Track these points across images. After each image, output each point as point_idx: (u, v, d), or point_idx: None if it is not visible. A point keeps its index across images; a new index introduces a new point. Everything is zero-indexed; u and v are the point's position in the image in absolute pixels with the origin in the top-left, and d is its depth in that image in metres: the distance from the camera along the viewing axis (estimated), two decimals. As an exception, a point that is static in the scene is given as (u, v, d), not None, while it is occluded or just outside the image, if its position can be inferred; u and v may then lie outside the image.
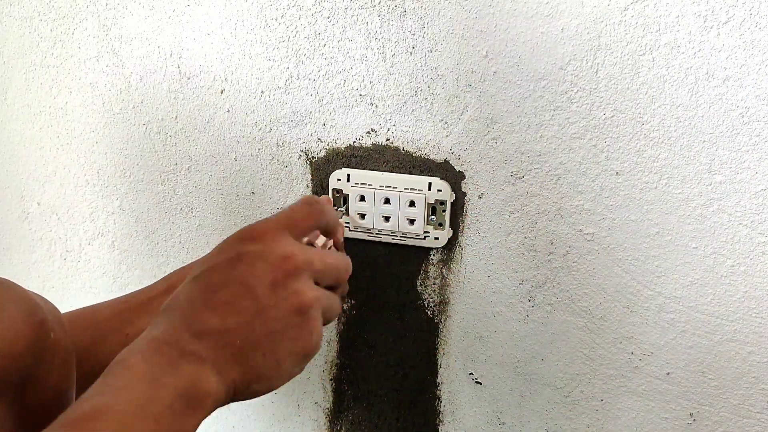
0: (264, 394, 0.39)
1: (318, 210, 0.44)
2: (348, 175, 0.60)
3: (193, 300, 0.38)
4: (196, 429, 0.35)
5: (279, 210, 0.63)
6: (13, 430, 0.37)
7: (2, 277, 0.41)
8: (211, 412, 0.36)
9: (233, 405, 0.80)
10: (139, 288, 0.56)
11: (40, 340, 0.39)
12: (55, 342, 0.40)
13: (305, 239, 0.46)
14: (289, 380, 0.40)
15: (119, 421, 0.32)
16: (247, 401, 0.40)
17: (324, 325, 0.43)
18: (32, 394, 0.38)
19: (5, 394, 0.36)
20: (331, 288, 0.44)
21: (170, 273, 0.56)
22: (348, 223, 0.61)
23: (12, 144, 0.74)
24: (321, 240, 0.48)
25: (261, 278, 0.39)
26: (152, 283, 0.56)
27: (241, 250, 0.39)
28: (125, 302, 0.53)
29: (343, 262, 0.45)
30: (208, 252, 0.43)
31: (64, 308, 0.48)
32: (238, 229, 0.42)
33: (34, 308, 0.40)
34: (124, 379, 0.34)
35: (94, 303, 0.54)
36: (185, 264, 0.71)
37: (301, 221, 0.43)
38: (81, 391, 0.37)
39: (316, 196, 0.47)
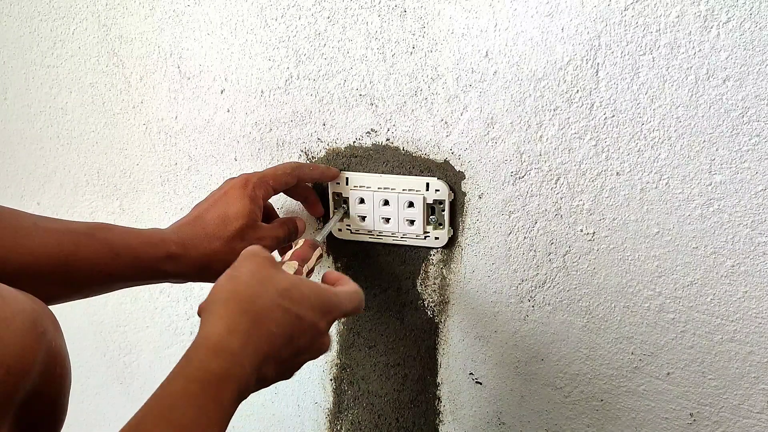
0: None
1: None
2: (347, 178, 0.60)
3: (276, 341, 0.41)
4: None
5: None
6: None
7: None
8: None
9: (233, 405, 0.80)
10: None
11: (44, 352, 0.37)
12: (56, 352, 0.38)
13: (296, 263, 0.50)
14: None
15: None
16: (247, 401, 0.41)
17: None
18: (33, 408, 0.37)
19: (9, 411, 0.35)
20: None
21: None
22: (349, 225, 0.61)
23: (12, 144, 0.74)
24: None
25: (302, 352, 0.44)
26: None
27: (316, 323, 0.44)
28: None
29: (356, 304, 0.50)
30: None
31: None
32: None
33: (36, 318, 0.37)
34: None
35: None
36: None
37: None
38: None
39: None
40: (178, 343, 0.79)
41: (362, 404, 0.68)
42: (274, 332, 0.41)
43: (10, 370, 0.34)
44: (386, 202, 0.59)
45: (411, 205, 0.59)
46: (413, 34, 0.55)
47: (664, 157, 0.51)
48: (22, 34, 0.69)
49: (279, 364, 0.42)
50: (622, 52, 0.49)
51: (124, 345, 0.80)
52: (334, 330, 0.67)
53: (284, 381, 0.45)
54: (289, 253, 0.52)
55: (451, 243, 0.60)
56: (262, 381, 0.42)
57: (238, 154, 0.65)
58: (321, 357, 0.61)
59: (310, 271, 0.52)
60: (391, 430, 0.68)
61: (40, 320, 0.37)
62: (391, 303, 0.64)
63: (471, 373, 0.63)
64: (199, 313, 0.42)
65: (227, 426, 0.38)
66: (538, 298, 0.58)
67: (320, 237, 0.56)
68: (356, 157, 0.60)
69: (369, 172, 0.60)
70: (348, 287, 0.48)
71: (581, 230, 0.55)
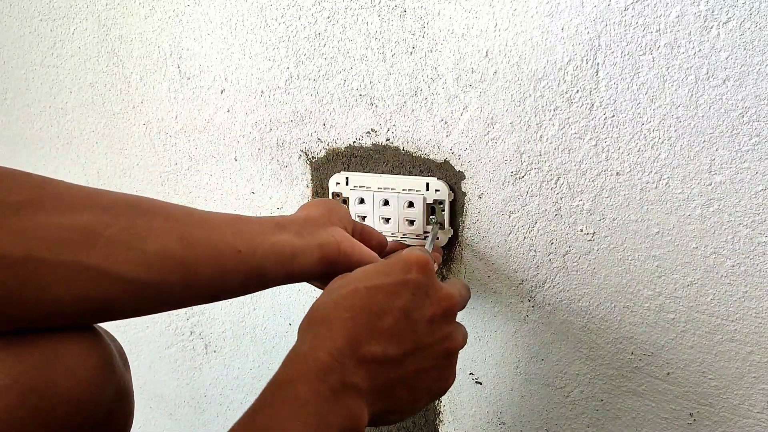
0: (390, 424, 0.40)
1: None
2: (347, 178, 0.60)
3: (357, 319, 0.38)
4: None
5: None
6: None
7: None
8: None
9: (235, 403, 0.80)
10: None
11: (113, 390, 0.36)
12: (124, 390, 0.37)
13: None
14: (414, 414, 0.41)
15: None
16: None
17: None
18: None
19: None
20: None
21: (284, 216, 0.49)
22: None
23: (12, 144, 0.74)
24: None
25: (421, 311, 0.40)
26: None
27: (406, 278, 0.40)
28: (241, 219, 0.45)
29: (468, 294, 0.47)
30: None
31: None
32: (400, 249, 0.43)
33: (110, 354, 0.37)
34: (294, 415, 0.33)
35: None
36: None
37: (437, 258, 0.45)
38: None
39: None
40: (178, 343, 0.79)
41: (362, 404, 0.68)
42: (346, 316, 0.37)
43: (80, 407, 0.33)
44: (386, 202, 0.59)
45: (411, 205, 0.59)
46: (413, 34, 0.55)
47: (664, 157, 0.51)
48: (22, 34, 0.69)
49: (383, 338, 0.38)
50: (622, 52, 0.49)
51: (124, 345, 0.80)
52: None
53: None
54: None
55: (451, 243, 0.60)
56: (372, 362, 0.37)
57: (238, 154, 0.65)
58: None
59: None
60: (391, 430, 0.68)
61: (114, 357, 0.37)
62: (391, 303, 0.64)
63: (471, 373, 0.63)
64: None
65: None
66: (538, 298, 0.58)
67: (428, 247, 0.55)
68: (356, 157, 0.60)
69: (369, 172, 0.60)
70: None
71: (581, 230, 0.55)
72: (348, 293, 0.39)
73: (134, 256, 0.35)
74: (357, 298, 0.38)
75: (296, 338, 0.39)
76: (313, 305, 0.40)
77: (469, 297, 0.48)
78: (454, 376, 0.43)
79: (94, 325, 0.37)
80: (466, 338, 0.45)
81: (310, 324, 0.38)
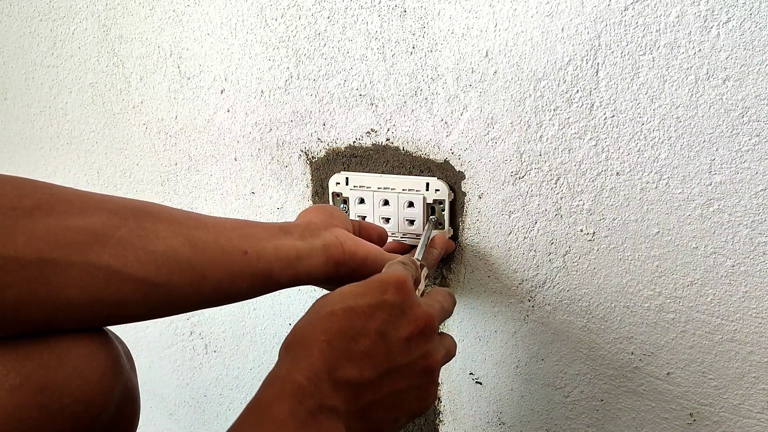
0: None
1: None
2: (347, 178, 0.60)
3: (333, 343, 0.38)
4: None
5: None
6: None
7: None
8: None
9: (235, 402, 0.80)
10: None
11: (120, 391, 0.37)
12: (130, 391, 0.38)
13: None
14: None
15: None
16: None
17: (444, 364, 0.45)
18: None
19: None
20: None
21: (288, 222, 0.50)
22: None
23: (12, 144, 0.74)
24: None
25: (397, 331, 0.40)
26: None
27: (382, 299, 0.40)
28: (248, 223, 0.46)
29: (452, 304, 0.47)
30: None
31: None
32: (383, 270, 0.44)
33: (117, 355, 0.37)
34: None
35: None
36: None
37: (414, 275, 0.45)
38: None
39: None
40: (178, 343, 0.79)
41: (362, 404, 0.68)
42: (323, 339, 0.38)
43: (88, 407, 0.34)
44: (386, 202, 0.59)
45: (411, 205, 0.59)
46: (413, 34, 0.55)
47: (664, 157, 0.51)
48: (22, 34, 0.69)
49: (360, 361, 0.38)
50: (622, 52, 0.49)
51: (124, 345, 0.80)
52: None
53: None
54: None
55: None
56: (349, 386, 0.37)
57: (238, 154, 0.65)
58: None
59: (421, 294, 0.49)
60: (391, 430, 0.68)
61: (122, 357, 0.37)
62: (391, 303, 0.64)
63: (471, 373, 0.63)
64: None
65: None
66: (538, 298, 0.58)
67: (419, 256, 0.54)
68: (356, 157, 0.60)
69: (369, 172, 0.60)
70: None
71: (581, 230, 0.55)
72: (325, 316, 0.39)
73: (144, 257, 0.36)
74: (333, 321, 0.39)
75: (277, 359, 0.39)
76: (293, 327, 0.40)
77: (455, 304, 0.47)
78: (436, 395, 0.43)
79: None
80: (452, 351, 0.45)
81: (289, 347, 0.39)
